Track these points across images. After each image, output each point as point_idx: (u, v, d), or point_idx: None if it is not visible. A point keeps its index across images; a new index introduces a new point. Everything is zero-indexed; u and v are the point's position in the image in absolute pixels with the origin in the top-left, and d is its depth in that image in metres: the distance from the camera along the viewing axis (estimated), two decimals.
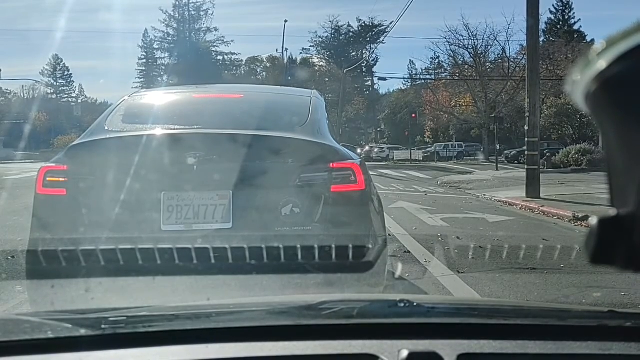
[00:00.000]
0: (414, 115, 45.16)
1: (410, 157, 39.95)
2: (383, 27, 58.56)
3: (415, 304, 1.42)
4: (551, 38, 47.48)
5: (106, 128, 3.27)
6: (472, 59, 41.87)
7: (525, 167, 12.89)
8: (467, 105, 42.74)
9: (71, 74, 67.86)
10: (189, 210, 2.91)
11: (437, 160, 38.01)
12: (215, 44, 61.00)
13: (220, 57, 61.84)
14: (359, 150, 26.84)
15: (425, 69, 55.93)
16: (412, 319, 1.38)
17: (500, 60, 42.14)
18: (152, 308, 1.62)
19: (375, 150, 45.19)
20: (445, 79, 46.99)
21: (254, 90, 5.03)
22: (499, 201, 11.99)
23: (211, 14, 60.83)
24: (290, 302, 1.63)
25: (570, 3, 52.63)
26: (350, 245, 2.93)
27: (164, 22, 60.58)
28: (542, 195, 11.72)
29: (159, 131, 3.13)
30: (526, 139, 12.55)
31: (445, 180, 19.35)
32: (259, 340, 1.22)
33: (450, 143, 45.55)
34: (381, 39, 58.91)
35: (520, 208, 10.72)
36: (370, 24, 61.19)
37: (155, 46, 63.24)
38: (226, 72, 59.23)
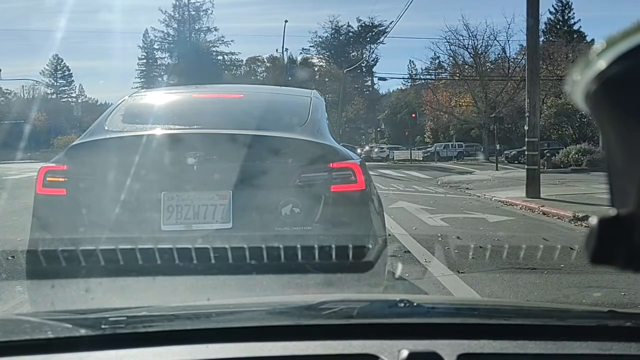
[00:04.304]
0: (414, 115, 45.27)
1: (410, 157, 39.96)
2: (383, 27, 58.67)
3: (415, 304, 1.42)
4: (551, 38, 47.53)
5: (106, 128, 3.27)
6: (472, 59, 41.88)
7: (525, 167, 12.89)
8: (467, 105, 42.74)
9: (71, 74, 67.97)
10: (189, 210, 2.91)
11: (437, 160, 37.99)
12: (215, 44, 61.06)
13: (220, 57, 61.88)
14: (359, 150, 26.90)
15: (425, 69, 56.01)
16: (412, 319, 1.38)
17: (500, 60, 42.15)
18: (152, 308, 1.62)
19: (375, 150, 45.21)
20: (445, 79, 47.02)
21: (253, 90, 5.03)
22: (499, 201, 11.98)
23: (211, 14, 60.86)
24: (290, 302, 1.63)
25: (570, 3, 52.69)
26: (350, 245, 2.93)
27: (164, 22, 60.67)
28: (542, 195, 11.72)
29: (159, 131, 3.13)
30: (526, 139, 12.55)
31: (445, 180, 19.34)
32: (259, 340, 1.22)
33: (450, 143, 45.53)
34: (381, 39, 59.06)
35: (520, 208, 10.72)
36: (370, 24, 61.26)
37: (155, 46, 63.31)
38: (226, 72, 59.21)
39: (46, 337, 1.24)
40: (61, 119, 56.53)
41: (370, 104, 62.09)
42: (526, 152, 13.06)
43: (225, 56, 62.27)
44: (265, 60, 61.64)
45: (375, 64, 62.54)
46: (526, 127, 12.26)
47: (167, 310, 1.60)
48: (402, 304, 1.40)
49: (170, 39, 61.28)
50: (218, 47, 61.20)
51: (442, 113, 45.45)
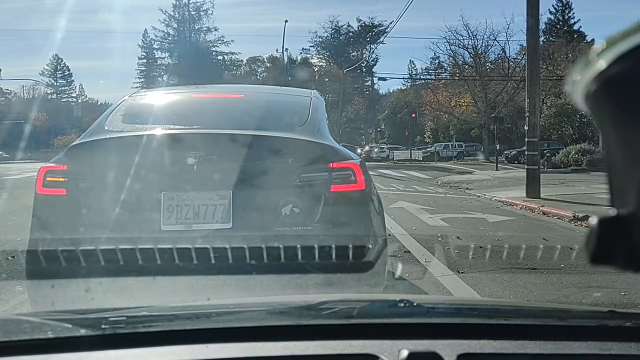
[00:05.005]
0: (414, 115, 45.23)
1: (410, 157, 39.97)
2: (383, 27, 58.63)
3: (415, 304, 1.42)
4: (551, 38, 47.54)
5: (106, 128, 3.26)
6: (472, 59, 41.88)
7: (525, 167, 12.89)
8: (467, 105, 42.75)
9: (71, 73, 68.00)
10: (188, 210, 2.91)
11: (437, 160, 38.00)
12: (215, 44, 61.08)
13: (220, 57, 61.90)
14: (359, 150, 26.92)
15: (425, 69, 56.03)
16: (412, 319, 1.38)
17: (500, 60, 42.15)
18: (152, 308, 1.62)
19: (375, 150, 45.22)
20: (445, 79, 47.02)
21: (254, 90, 5.03)
22: (499, 201, 11.98)
23: (211, 14, 61.00)
24: (290, 302, 1.63)
25: (570, 3, 52.70)
26: (350, 245, 2.93)
27: (164, 22, 60.69)
28: (542, 195, 11.72)
29: (159, 131, 3.13)
30: (526, 139, 12.55)
31: (445, 180, 19.35)
32: (259, 340, 1.22)
33: (450, 143, 45.53)
34: (381, 39, 59.01)
35: (520, 208, 10.72)
36: (370, 24, 61.21)
37: (155, 46, 63.34)
38: (226, 72, 59.21)
39: (46, 337, 1.24)
40: (61, 119, 56.50)
41: (370, 104, 62.08)
42: (526, 152, 13.05)
43: (225, 56, 62.35)
44: (265, 60, 61.67)
45: (375, 64, 62.63)
46: (526, 127, 12.26)
47: (167, 310, 1.60)
48: (402, 304, 1.40)
49: (170, 38, 61.32)
50: (218, 47, 61.29)
51: (442, 113, 45.44)
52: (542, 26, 41.78)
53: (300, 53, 62.75)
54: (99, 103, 63.75)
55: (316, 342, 1.21)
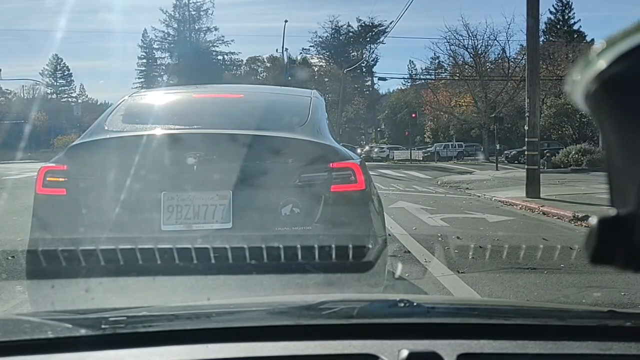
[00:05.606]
0: (414, 115, 45.24)
1: (410, 157, 39.98)
2: (383, 27, 58.61)
3: (415, 304, 1.42)
4: (551, 38, 47.53)
5: (106, 128, 3.27)
6: (472, 59, 41.88)
7: (525, 167, 12.90)
8: (467, 105, 42.76)
9: (71, 73, 68.01)
10: (188, 210, 2.91)
11: (437, 160, 38.01)
12: (215, 44, 61.10)
13: (220, 57, 61.92)
14: (359, 150, 26.88)
15: (425, 69, 56.05)
16: (412, 319, 1.38)
17: (500, 60, 42.15)
18: (152, 308, 1.62)
19: (375, 150, 45.23)
20: (445, 79, 47.03)
21: (254, 90, 5.04)
22: (499, 201, 11.98)
23: (211, 14, 60.91)
24: (290, 302, 1.63)
25: (570, 3, 52.67)
26: (350, 245, 2.93)
27: (164, 22, 60.71)
28: (542, 195, 11.72)
29: (159, 131, 3.13)
30: (526, 139, 12.55)
31: (445, 180, 19.34)
32: (259, 340, 1.22)
33: (450, 143, 45.53)
34: (381, 39, 58.98)
35: (520, 208, 10.72)
36: (370, 24, 61.20)
37: (155, 46, 63.34)
38: (226, 72, 59.21)
39: (46, 337, 1.24)
40: (61, 119, 56.49)
41: (370, 104, 62.06)
42: (526, 152, 13.06)
43: (225, 56, 62.37)
44: (265, 60, 61.68)
45: (375, 64, 62.58)
46: (526, 127, 12.26)
47: (167, 310, 1.60)
48: (402, 304, 1.40)
49: (170, 38, 61.32)
50: (218, 47, 61.31)
51: (442, 113, 45.45)
52: (542, 26, 41.81)
53: (300, 53, 62.81)
54: (99, 103, 63.84)
55: (316, 342, 1.21)
